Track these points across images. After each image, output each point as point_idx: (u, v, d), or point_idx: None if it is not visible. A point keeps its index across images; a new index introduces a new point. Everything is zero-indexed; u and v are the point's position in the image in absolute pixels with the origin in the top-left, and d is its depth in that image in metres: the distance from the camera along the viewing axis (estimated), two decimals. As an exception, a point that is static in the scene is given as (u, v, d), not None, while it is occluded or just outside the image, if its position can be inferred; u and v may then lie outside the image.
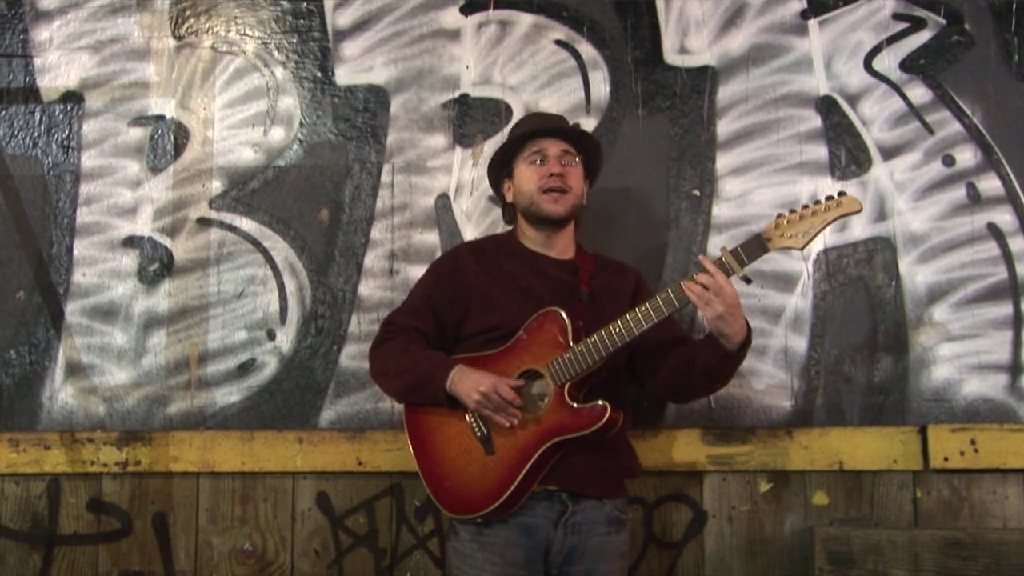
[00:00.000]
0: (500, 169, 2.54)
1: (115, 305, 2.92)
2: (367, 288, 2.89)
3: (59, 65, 3.01)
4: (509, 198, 2.53)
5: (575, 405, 2.25)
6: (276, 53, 2.99)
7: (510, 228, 2.60)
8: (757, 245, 2.21)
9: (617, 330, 2.24)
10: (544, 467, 2.27)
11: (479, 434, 2.30)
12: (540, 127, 2.50)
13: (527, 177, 2.45)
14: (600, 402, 2.24)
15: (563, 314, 2.31)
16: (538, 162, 2.44)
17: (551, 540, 2.30)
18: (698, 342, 2.39)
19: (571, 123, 2.88)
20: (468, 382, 2.27)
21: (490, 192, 2.88)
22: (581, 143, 2.51)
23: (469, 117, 2.93)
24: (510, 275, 2.44)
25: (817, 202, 2.21)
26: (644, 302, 2.26)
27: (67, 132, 2.98)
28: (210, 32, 3.01)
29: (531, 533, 2.29)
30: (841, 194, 2.20)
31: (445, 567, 2.44)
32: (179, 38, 3.01)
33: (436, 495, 2.35)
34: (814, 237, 2.20)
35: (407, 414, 2.44)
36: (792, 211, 2.21)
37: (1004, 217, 2.81)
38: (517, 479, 2.24)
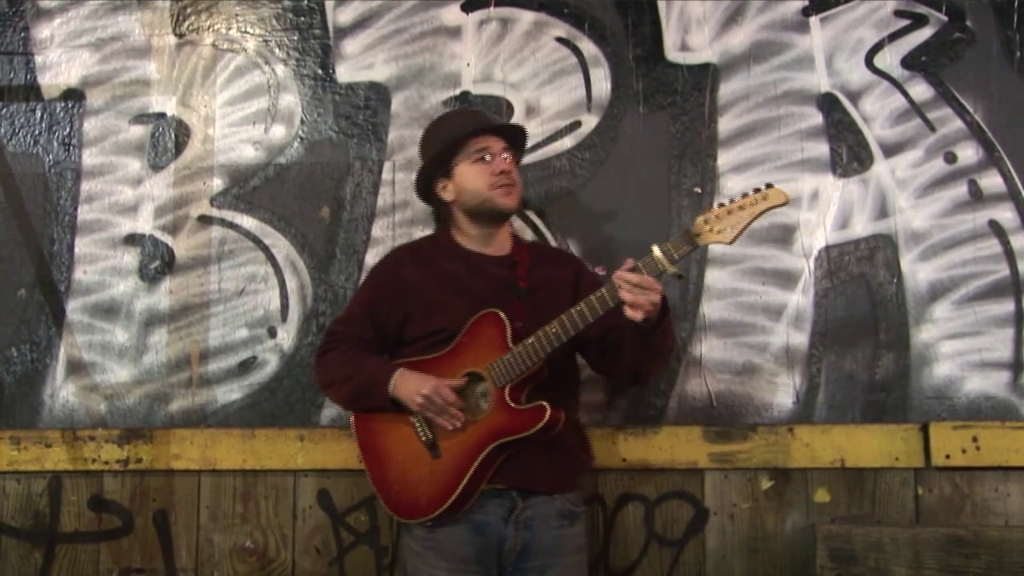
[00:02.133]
0: (436, 169, 2.50)
1: (116, 303, 2.92)
2: (368, 286, 2.88)
3: (60, 63, 3.01)
4: (449, 197, 2.49)
5: (516, 406, 2.26)
6: (277, 51, 2.99)
7: (436, 228, 2.61)
8: (686, 241, 2.20)
9: (554, 331, 2.24)
10: (490, 468, 2.27)
11: (424, 438, 2.31)
12: (481, 125, 2.49)
13: (473, 176, 2.44)
14: (541, 403, 2.24)
15: (501, 315, 2.32)
16: (485, 159, 2.44)
17: (503, 537, 2.30)
18: (620, 331, 2.33)
19: (573, 120, 2.90)
20: (410, 385, 2.29)
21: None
22: (517, 143, 2.53)
23: (470, 114, 2.93)
24: (449, 276, 2.45)
25: (745, 196, 2.21)
26: (580, 301, 2.25)
27: (68, 130, 2.98)
28: (211, 30, 3.01)
29: (482, 531, 2.29)
30: (768, 186, 2.20)
31: (400, 564, 2.43)
32: (180, 36, 3.01)
33: (385, 500, 2.36)
34: (743, 231, 2.19)
35: (355, 421, 2.45)
36: (720, 205, 2.21)
37: (1006, 214, 2.80)
38: (463, 482, 2.24)
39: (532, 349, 2.25)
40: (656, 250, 2.20)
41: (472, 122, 2.50)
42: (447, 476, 2.27)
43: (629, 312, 2.18)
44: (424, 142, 2.56)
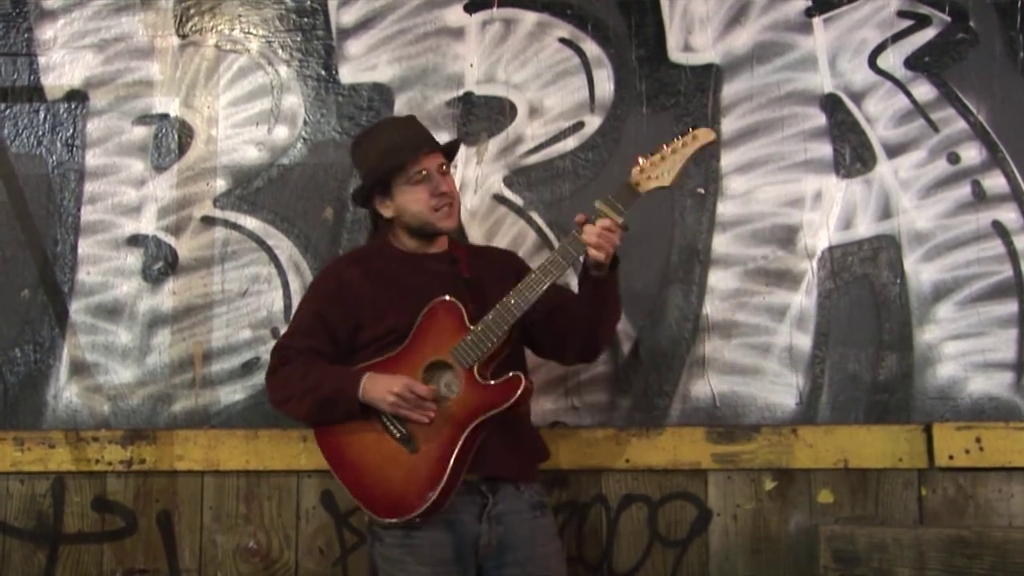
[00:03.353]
0: (373, 187, 2.45)
1: (119, 304, 2.92)
2: (371, 286, 2.88)
3: (63, 64, 3.01)
4: (388, 214, 2.46)
5: (489, 382, 2.27)
6: (280, 51, 2.99)
7: (370, 235, 2.61)
8: (628, 192, 2.29)
9: (513, 301, 2.27)
10: (471, 452, 2.26)
11: (398, 435, 2.29)
12: (417, 146, 2.42)
13: (413, 198, 2.41)
14: (514, 373, 2.26)
15: (454, 300, 2.33)
16: (422, 181, 2.41)
17: (478, 533, 2.29)
18: (574, 293, 2.45)
19: (576, 121, 2.90)
20: (380, 386, 2.27)
21: (495, 190, 2.89)
22: (451, 150, 2.53)
23: (473, 115, 2.92)
24: (392, 277, 2.44)
25: (674, 139, 2.30)
26: (534, 269, 2.30)
27: (71, 131, 2.98)
28: (214, 30, 3.01)
29: (456, 529, 2.29)
30: (694, 127, 2.31)
31: (373, 574, 2.40)
32: (183, 36, 3.01)
33: (369, 506, 2.31)
34: (680, 173, 2.29)
35: (319, 436, 2.41)
36: (652, 153, 2.30)
37: (1009, 215, 2.80)
38: (447, 470, 2.23)
39: (495, 323, 2.27)
40: (599, 204, 2.27)
41: (408, 143, 2.43)
42: (430, 469, 2.25)
43: (593, 252, 2.24)
44: (360, 154, 2.50)
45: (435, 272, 2.44)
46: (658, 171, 2.28)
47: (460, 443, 2.24)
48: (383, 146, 2.43)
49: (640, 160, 2.30)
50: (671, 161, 2.28)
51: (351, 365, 2.38)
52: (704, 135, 2.30)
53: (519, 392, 2.24)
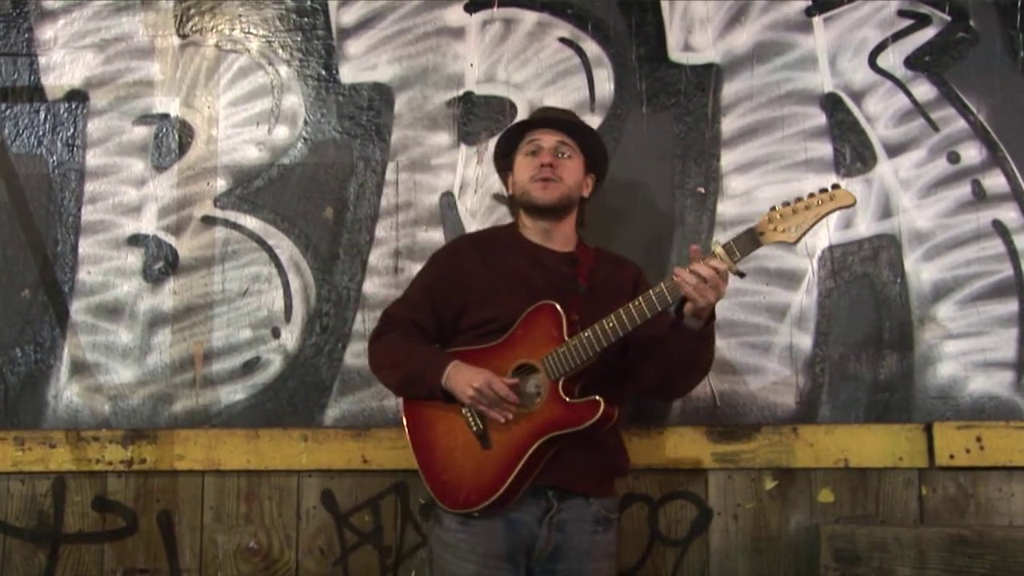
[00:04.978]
0: (503, 164, 2.58)
1: (120, 303, 2.92)
2: (372, 286, 2.89)
3: (64, 64, 3.01)
4: (509, 191, 2.56)
5: (569, 400, 2.25)
6: (280, 51, 2.99)
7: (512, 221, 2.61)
8: (750, 240, 2.18)
9: (611, 324, 2.22)
10: (540, 462, 2.26)
11: (475, 429, 2.30)
12: (535, 119, 2.53)
13: (522, 168, 2.48)
14: (595, 397, 2.23)
15: (557, 307, 2.30)
16: (533, 153, 2.46)
17: (535, 536, 2.29)
18: (667, 334, 2.32)
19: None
20: (463, 378, 2.27)
21: (494, 190, 2.89)
22: (582, 137, 2.51)
23: (473, 115, 2.93)
24: (509, 267, 2.44)
25: (811, 195, 2.17)
26: (638, 296, 2.23)
27: (72, 131, 2.98)
28: (214, 30, 3.01)
29: (515, 528, 2.28)
30: (835, 187, 2.16)
31: (428, 555, 2.41)
32: (183, 36, 3.01)
33: (434, 489, 2.34)
34: (807, 231, 2.16)
35: (405, 408, 2.44)
36: (785, 204, 2.17)
37: (1009, 214, 2.80)
38: (512, 475, 2.23)
39: (588, 342, 2.23)
40: (718, 248, 2.18)
41: (537, 116, 2.55)
42: (497, 468, 2.25)
43: (691, 296, 2.16)
44: None
45: (552, 270, 2.43)
46: (787, 224, 2.15)
47: (529, 452, 2.23)
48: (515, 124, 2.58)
49: (770, 209, 2.18)
50: (802, 217, 2.15)
51: (450, 346, 2.40)
52: (843, 197, 2.14)
53: (595, 418, 2.20)
